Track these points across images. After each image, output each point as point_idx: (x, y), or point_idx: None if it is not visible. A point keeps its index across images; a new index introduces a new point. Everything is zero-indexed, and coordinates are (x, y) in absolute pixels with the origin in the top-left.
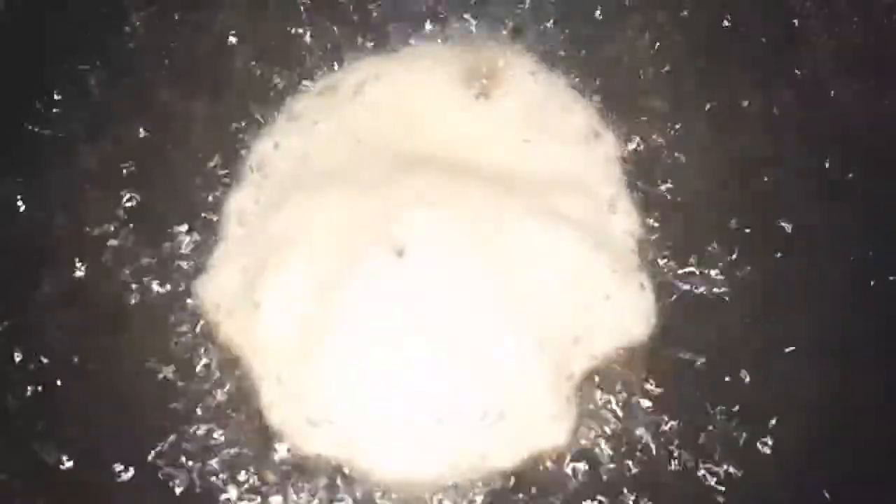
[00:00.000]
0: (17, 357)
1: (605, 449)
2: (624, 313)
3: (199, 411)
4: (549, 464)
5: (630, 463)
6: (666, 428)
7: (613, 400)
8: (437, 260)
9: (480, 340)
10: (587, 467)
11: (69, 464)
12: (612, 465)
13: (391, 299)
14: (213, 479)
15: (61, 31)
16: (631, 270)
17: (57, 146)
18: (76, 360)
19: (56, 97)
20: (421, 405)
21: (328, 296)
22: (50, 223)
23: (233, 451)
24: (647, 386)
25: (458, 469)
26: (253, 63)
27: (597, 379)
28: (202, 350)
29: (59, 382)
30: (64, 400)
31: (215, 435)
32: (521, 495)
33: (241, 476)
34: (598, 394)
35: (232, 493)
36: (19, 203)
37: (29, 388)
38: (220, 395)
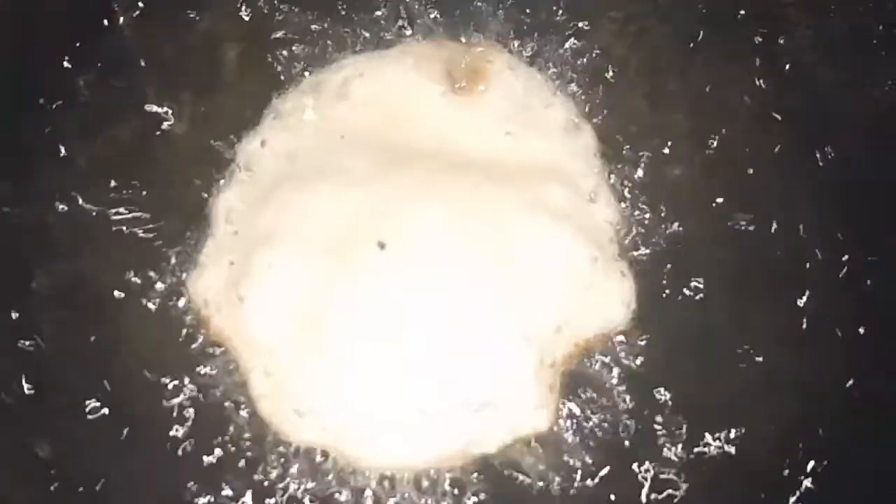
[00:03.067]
0: (12, 354)
1: (587, 432)
2: (605, 301)
3: (192, 405)
4: (533, 448)
5: (614, 444)
6: (646, 411)
7: (594, 385)
8: (421, 252)
9: (465, 331)
10: (570, 450)
11: (62, 458)
12: (594, 446)
13: (376, 292)
14: (207, 469)
15: (50, 32)
16: (611, 259)
17: (48, 146)
18: (71, 356)
19: (46, 98)
20: (406, 395)
21: (313, 289)
22: (42, 222)
23: (226, 443)
24: (626, 366)
25: (443, 456)
26: (239, 62)
27: (576, 364)
28: (195, 345)
29: (53, 378)
30: (58, 395)
31: (209, 427)
32: (505, 480)
33: (237, 466)
34: (580, 379)
35: (228, 487)
36: (10, 203)
37: (24, 384)
38: (214, 389)
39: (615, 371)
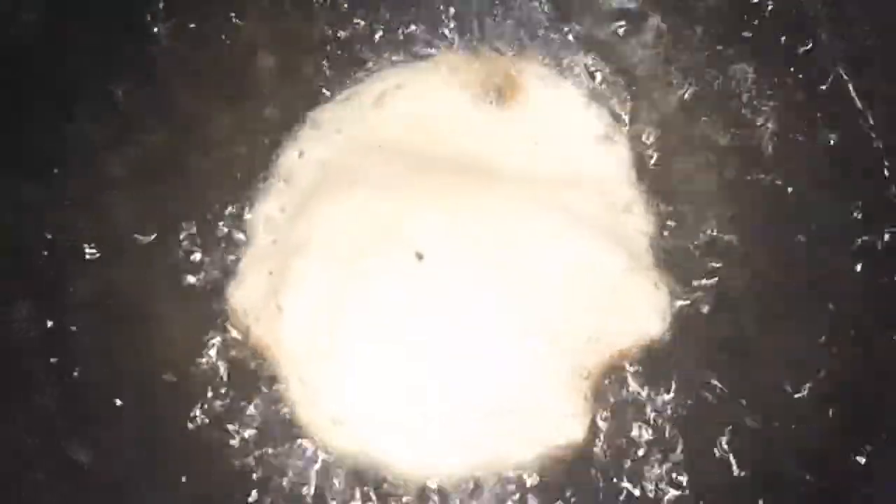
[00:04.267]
0: (47, 359)
1: (624, 442)
2: (639, 311)
3: (228, 411)
4: (567, 459)
5: (651, 457)
6: (685, 424)
7: (631, 396)
8: (454, 261)
9: (497, 340)
10: (607, 460)
11: (99, 463)
12: (633, 459)
13: (409, 301)
14: (242, 475)
15: (86, 41)
16: (645, 269)
17: (83, 153)
18: (104, 361)
19: (81, 106)
20: (438, 403)
21: (347, 297)
22: (76, 228)
23: (263, 450)
24: (663, 382)
25: (477, 464)
26: (275, 72)
27: (613, 377)
28: (231, 353)
29: (87, 383)
30: (93, 400)
31: (246, 434)
32: (539, 490)
33: (270, 474)
34: (616, 390)
35: (257, 491)
36: (44, 209)
37: (59, 389)
38: (251, 397)
39: (650, 383)
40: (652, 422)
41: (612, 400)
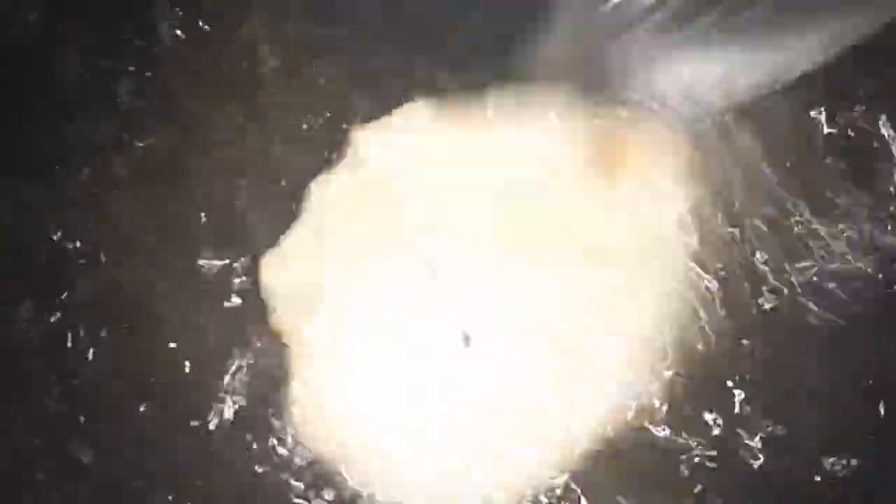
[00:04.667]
0: (48, 359)
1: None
2: None
3: (230, 411)
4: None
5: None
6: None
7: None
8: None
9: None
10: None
11: (102, 463)
12: None
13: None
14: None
15: (90, 39)
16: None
17: (83, 153)
18: (105, 362)
19: (81, 106)
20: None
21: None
22: (77, 228)
23: (262, 445)
24: None
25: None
26: (282, 73)
27: None
28: (234, 351)
29: (88, 383)
30: (94, 400)
31: (247, 437)
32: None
33: (278, 476)
34: None
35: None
36: (46, 207)
37: (60, 389)
38: (253, 398)
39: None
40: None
41: None
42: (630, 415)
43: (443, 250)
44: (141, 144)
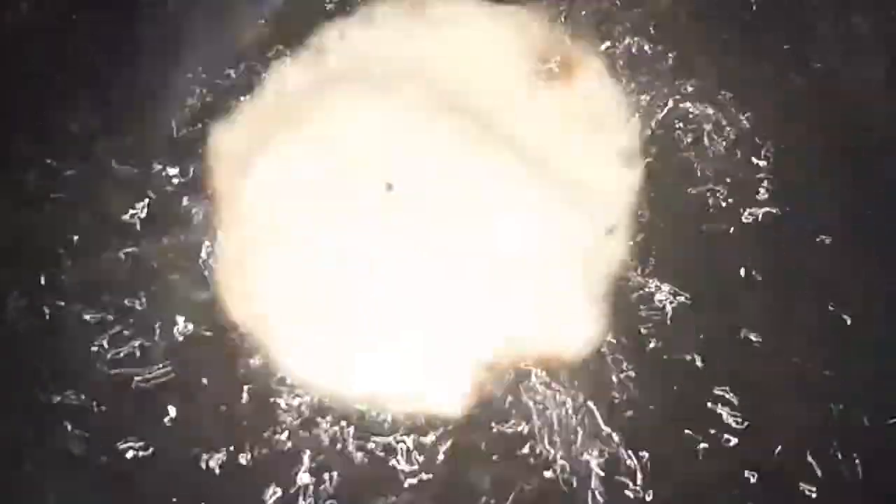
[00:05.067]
0: (45, 351)
1: None
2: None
3: (216, 395)
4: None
5: None
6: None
7: None
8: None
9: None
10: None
11: (94, 453)
12: None
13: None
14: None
15: (79, 31)
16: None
17: (77, 141)
18: (100, 348)
19: (76, 96)
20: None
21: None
22: (72, 215)
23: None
24: None
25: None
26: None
27: None
28: (211, 333)
29: (84, 373)
30: (88, 390)
31: (245, 422)
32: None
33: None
34: None
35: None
36: (41, 196)
37: (56, 380)
38: (241, 384)
39: None
40: None
41: None
42: None
43: (386, 131)
44: (129, 133)
